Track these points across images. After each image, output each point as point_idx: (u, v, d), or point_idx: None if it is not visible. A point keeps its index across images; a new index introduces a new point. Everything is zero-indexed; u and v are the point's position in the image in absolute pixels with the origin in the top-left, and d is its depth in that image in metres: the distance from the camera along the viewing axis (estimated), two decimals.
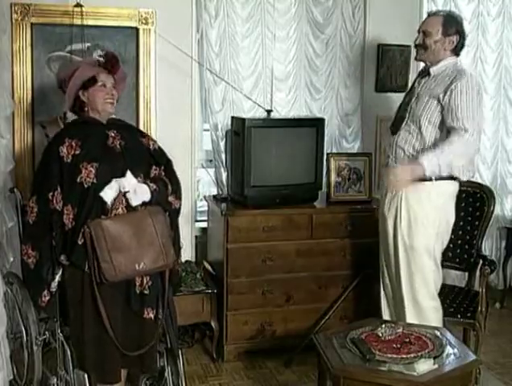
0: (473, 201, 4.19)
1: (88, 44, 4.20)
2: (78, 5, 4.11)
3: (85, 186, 2.91)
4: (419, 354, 2.91)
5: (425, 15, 4.68)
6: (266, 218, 4.12)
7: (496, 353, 4.46)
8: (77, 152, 2.94)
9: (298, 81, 4.74)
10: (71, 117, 3.17)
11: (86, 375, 3.01)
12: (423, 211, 3.57)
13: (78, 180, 2.91)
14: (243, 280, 4.13)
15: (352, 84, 4.85)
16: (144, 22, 4.34)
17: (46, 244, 2.95)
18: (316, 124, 4.34)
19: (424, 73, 3.70)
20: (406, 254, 3.63)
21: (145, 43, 4.35)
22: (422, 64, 3.83)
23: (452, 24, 3.61)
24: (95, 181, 2.91)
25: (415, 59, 3.79)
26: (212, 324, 4.19)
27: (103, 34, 4.26)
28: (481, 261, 4.04)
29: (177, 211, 3.22)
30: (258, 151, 4.13)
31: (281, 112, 4.68)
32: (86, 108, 3.11)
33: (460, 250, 4.18)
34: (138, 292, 2.99)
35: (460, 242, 4.16)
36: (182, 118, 4.49)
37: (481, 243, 4.20)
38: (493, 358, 4.38)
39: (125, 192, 2.95)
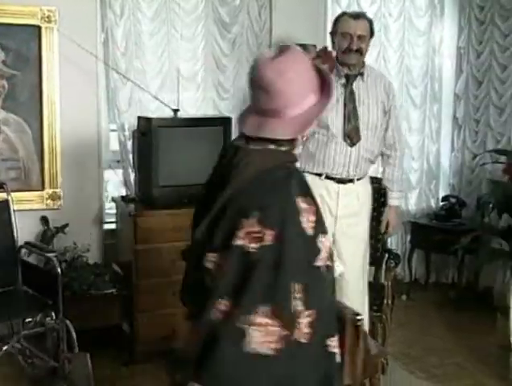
0: (378, 196, 4.30)
1: None
2: None
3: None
4: None
5: (330, 16, 4.78)
6: (175, 218, 4.08)
7: (403, 344, 4.59)
8: (313, 218, 1.89)
9: (205, 80, 4.74)
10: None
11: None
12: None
13: (316, 263, 1.84)
14: (153, 281, 4.09)
15: None
16: (47, 20, 4.24)
17: None
18: (224, 123, 4.34)
19: (354, 77, 3.64)
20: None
21: (48, 42, 4.25)
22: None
23: (372, 26, 3.71)
24: (330, 263, 1.91)
25: (351, 63, 3.62)
26: (123, 326, 4.14)
27: (4, 32, 4.15)
28: (386, 255, 4.17)
29: None
30: (166, 151, 4.09)
31: (189, 111, 4.66)
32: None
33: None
34: None
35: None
36: (88, 119, 4.41)
37: (387, 237, 4.33)
38: (400, 348, 4.50)
39: None
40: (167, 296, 4.10)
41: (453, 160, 5.84)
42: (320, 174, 3.67)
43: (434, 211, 5.66)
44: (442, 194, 5.82)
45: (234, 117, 4.66)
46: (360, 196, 3.74)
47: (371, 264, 4.34)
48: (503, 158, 5.07)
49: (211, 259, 1.87)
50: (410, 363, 4.33)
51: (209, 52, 4.74)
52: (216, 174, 2.03)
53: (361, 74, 3.64)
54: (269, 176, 1.86)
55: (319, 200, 3.67)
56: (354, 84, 3.63)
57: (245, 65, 4.83)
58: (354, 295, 3.74)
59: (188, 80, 4.68)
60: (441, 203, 5.66)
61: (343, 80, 3.62)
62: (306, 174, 3.64)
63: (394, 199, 3.89)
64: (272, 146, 1.89)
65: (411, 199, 5.76)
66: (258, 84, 1.88)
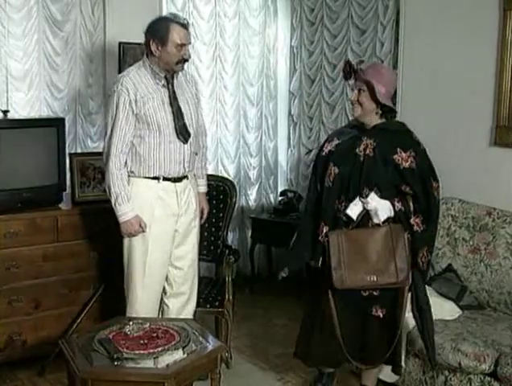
0: (217, 194, 4.38)
1: None
2: None
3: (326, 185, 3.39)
4: (166, 347, 2.97)
5: (166, 14, 4.73)
6: (8, 223, 3.92)
7: (247, 337, 4.71)
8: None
9: (37, 80, 4.55)
10: None
11: None
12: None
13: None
14: None
15: (94, 82, 4.78)
16: None
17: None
18: (57, 124, 4.20)
19: (172, 78, 3.65)
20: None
21: None
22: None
23: None
24: (331, 185, 3.35)
25: (180, 70, 3.68)
26: None
27: None
28: (226, 252, 4.25)
29: (420, 236, 3.30)
30: None
31: (21, 112, 4.46)
32: None
33: (207, 242, 4.35)
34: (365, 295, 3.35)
35: (206, 234, 4.33)
36: None
37: (226, 233, 4.41)
38: (245, 342, 4.62)
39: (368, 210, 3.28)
40: (2, 305, 3.96)
41: (290, 156, 6.04)
42: (157, 178, 3.65)
43: (273, 206, 5.80)
44: (281, 189, 5.98)
45: (68, 117, 4.56)
46: (193, 189, 3.83)
47: (212, 260, 4.43)
48: None
49: None
50: (254, 354, 4.44)
51: (41, 51, 4.56)
52: None
53: (173, 76, 3.69)
54: None
55: (159, 202, 3.72)
56: (174, 84, 3.68)
57: (80, 64, 4.72)
58: (186, 286, 3.85)
59: (19, 79, 4.48)
60: (279, 198, 5.80)
61: (163, 81, 3.64)
62: (141, 180, 3.64)
63: (204, 186, 4.02)
64: None
65: (251, 195, 5.89)
66: None
